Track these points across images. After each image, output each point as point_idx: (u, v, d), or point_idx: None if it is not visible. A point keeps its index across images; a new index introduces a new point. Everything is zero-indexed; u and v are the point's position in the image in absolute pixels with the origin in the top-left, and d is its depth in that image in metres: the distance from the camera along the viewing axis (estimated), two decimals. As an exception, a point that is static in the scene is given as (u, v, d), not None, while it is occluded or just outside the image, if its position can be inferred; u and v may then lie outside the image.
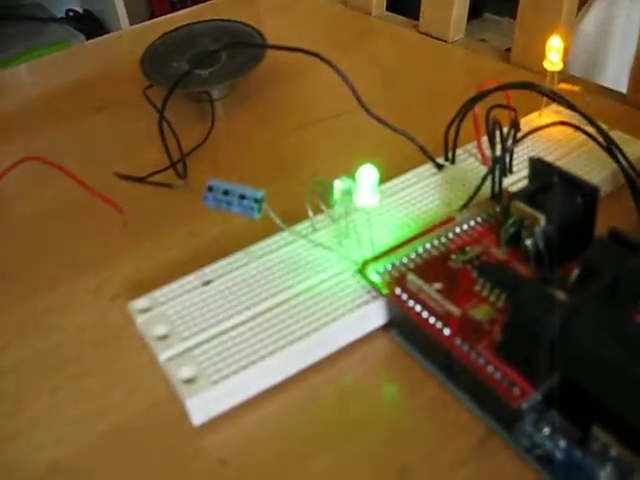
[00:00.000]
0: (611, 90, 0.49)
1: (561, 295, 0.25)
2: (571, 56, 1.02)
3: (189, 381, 0.30)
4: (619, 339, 0.24)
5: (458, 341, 0.28)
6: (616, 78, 0.99)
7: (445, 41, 0.58)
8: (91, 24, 1.58)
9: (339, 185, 0.32)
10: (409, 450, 0.28)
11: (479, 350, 0.27)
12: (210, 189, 0.33)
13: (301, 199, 0.36)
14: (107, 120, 0.54)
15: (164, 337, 0.32)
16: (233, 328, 0.32)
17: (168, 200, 0.43)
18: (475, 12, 1.85)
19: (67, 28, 1.53)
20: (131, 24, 1.46)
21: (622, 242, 0.27)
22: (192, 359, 0.31)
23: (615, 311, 0.25)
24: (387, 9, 0.65)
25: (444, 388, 0.29)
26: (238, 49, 0.53)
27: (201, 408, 0.30)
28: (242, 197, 0.33)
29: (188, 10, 0.74)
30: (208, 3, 0.77)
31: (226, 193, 0.33)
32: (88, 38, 1.46)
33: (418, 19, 0.60)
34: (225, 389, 0.30)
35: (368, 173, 0.31)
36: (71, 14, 1.64)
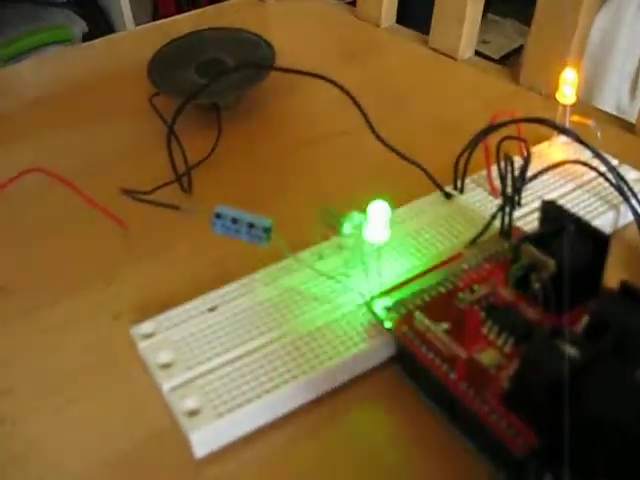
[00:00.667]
0: (619, 119, 0.48)
1: (571, 350, 0.25)
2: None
3: (193, 413, 0.30)
4: (626, 398, 0.24)
5: (464, 386, 0.28)
6: (616, 93, 0.99)
7: (454, 59, 0.58)
8: (92, 9, 1.57)
9: (351, 220, 0.32)
10: (410, 493, 0.28)
11: (485, 397, 0.27)
12: (218, 216, 0.33)
13: (307, 222, 0.36)
14: (111, 128, 0.53)
15: (168, 365, 0.32)
16: (238, 359, 0.32)
17: (173, 216, 0.42)
18: (479, 13, 1.84)
19: (68, 13, 1.51)
20: (133, 11, 1.45)
21: (632, 296, 0.27)
22: (196, 390, 0.31)
23: (622, 369, 0.25)
24: (397, 21, 0.65)
25: (448, 430, 0.29)
26: (246, 59, 0.52)
27: (204, 441, 0.30)
28: (251, 226, 0.32)
29: (196, 12, 0.73)
30: (216, 6, 0.76)
31: (234, 221, 0.32)
32: (89, 24, 1.45)
33: (427, 31, 0.60)
34: (230, 422, 0.30)
35: (381, 210, 0.31)
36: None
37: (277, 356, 0.32)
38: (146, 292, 0.38)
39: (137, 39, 0.69)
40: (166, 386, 0.31)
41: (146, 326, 0.34)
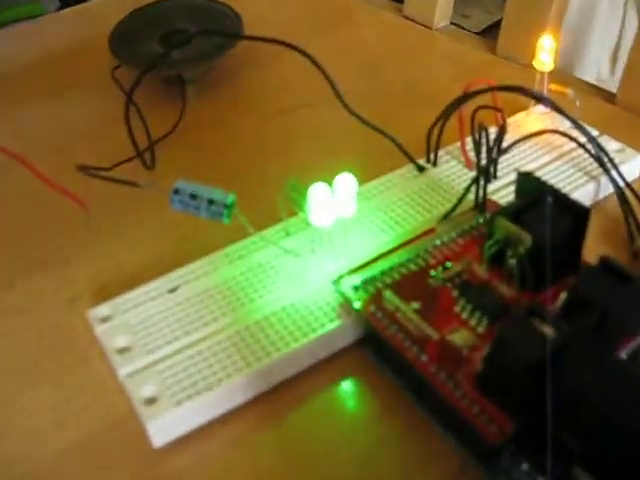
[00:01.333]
0: (600, 89, 0.47)
1: (548, 330, 0.23)
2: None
3: (150, 401, 0.28)
4: (607, 378, 0.22)
5: (434, 368, 0.26)
6: (597, 66, 0.98)
7: (429, 28, 0.56)
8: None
9: (315, 193, 0.30)
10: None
11: (457, 380, 0.26)
12: (177, 192, 0.31)
13: (274, 198, 0.34)
14: (72, 102, 0.51)
15: (125, 350, 0.30)
16: (199, 342, 0.30)
17: (134, 194, 0.40)
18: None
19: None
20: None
21: (613, 271, 0.25)
22: (154, 376, 0.29)
23: (602, 348, 0.23)
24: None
25: (419, 414, 0.28)
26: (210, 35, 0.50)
27: (163, 430, 0.28)
28: (211, 202, 0.31)
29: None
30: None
31: (194, 197, 0.31)
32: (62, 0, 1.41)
33: (402, 1, 0.58)
34: (189, 410, 0.28)
35: (347, 183, 0.29)
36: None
37: (240, 338, 0.30)
38: (105, 274, 0.36)
39: (105, 8, 0.66)
40: (123, 372, 0.30)
41: (103, 309, 0.32)
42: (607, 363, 0.23)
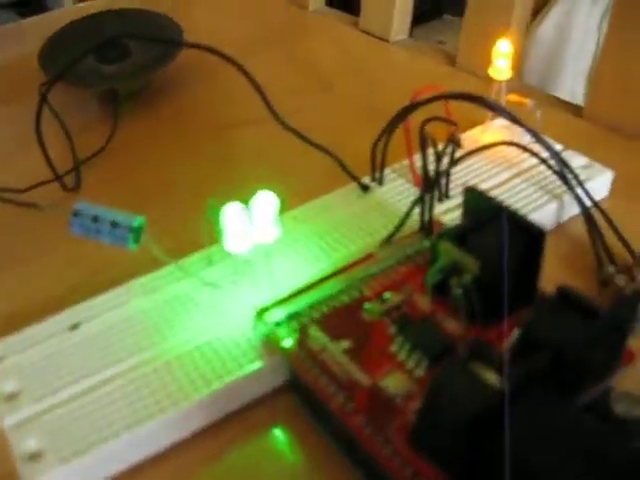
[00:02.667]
0: (566, 103, 0.43)
1: (491, 376, 0.19)
2: (527, 63, 0.98)
3: (34, 456, 0.24)
4: (561, 438, 0.18)
5: (362, 421, 0.22)
6: (571, 87, 0.95)
7: (387, 41, 0.52)
8: (37, 11, 1.50)
9: (231, 213, 0.26)
10: None
11: (387, 435, 0.21)
12: (76, 214, 0.27)
13: (201, 222, 0.30)
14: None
15: (13, 396, 0.26)
16: (97, 387, 0.26)
17: (44, 221, 0.36)
18: (434, 13, 1.81)
19: (12, 15, 1.45)
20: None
21: (573, 304, 0.21)
22: (41, 427, 0.25)
23: (557, 399, 0.19)
24: (328, 4, 0.59)
25: (351, 470, 0.24)
26: (148, 43, 0.46)
27: (45, 493, 0.24)
28: (114, 225, 0.26)
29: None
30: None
31: (95, 219, 0.27)
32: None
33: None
34: (78, 468, 0.24)
35: (266, 201, 0.25)
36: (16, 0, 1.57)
37: (145, 383, 0.26)
38: (6, 308, 0.32)
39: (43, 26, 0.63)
40: (8, 422, 0.25)
41: (-7, 349, 0.28)
42: (564, 420, 0.19)
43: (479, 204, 0.26)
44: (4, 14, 1.45)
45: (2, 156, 0.43)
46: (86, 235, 0.27)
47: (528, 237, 0.24)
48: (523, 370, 0.19)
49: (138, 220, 0.26)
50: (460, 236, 0.25)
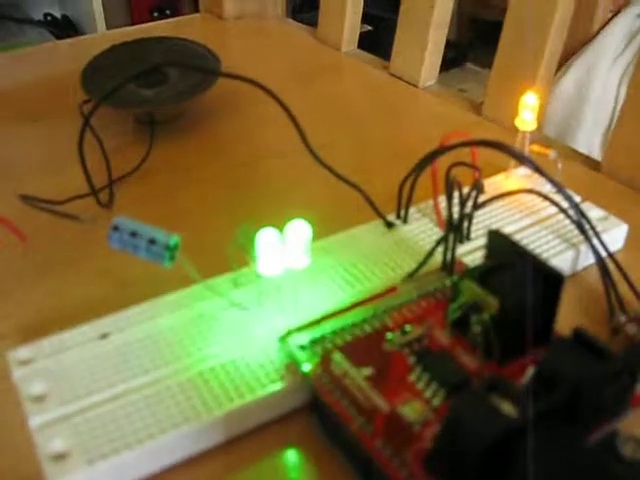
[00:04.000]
0: (585, 156, 0.45)
1: (509, 408, 0.20)
2: (546, 116, 1.00)
3: (59, 457, 0.25)
4: (573, 470, 0.19)
5: (380, 444, 0.23)
6: (589, 140, 0.97)
7: (416, 86, 0.54)
8: (68, 30, 1.54)
9: (263, 237, 0.27)
10: None
11: (404, 458, 0.22)
12: (116, 228, 0.28)
13: (229, 246, 0.31)
14: (38, 134, 0.49)
15: (41, 398, 0.27)
16: (124, 395, 0.27)
17: (80, 233, 0.37)
18: (457, 61, 1.84)
19: (42, 32, 1.49)
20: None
21: (587, 346, 0.22)
22: (68, 429, 0.26)
23: (571, 434, 0.20)
24: (360, 47, 0.62)
25: (363, 494, 0.24)
26: (186, 71, 0.48)
27: (69, 493, 0.25)
28: (152, 242, 0.28)
29: (150, 25, 0.69)
30: (175, 20, 0.73)
31: (134, 235, 0.28)
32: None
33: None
34: (102, 471, 0.25)
35: (299, 230, 0.26)
36: (49, 18, 1.60)
37: (169, 395, 0.27)
38: (39, 314, 0.33)
39: (84, 47, 0.65)
40: (34, 422, 0.26)
41: (24, 351, 0.29)
42: (578, 454, 0.20)
43: (502, 246, 0.27)
44: (33, 32, 1.48)
45: (39, 170, 0.45)
46: (123, 249, 0.28)
47: (547, 281, 0.25)
48: (542, 403, 0.20)
49: (174, 239, 0.28)
50: (482, 275, 0.26)
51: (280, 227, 0.28)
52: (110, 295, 0.34)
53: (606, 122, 1.01)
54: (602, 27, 1.05)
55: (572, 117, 1.00)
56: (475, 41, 1.87)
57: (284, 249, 0.27)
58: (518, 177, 0.38)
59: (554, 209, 0.34)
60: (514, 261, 0.26)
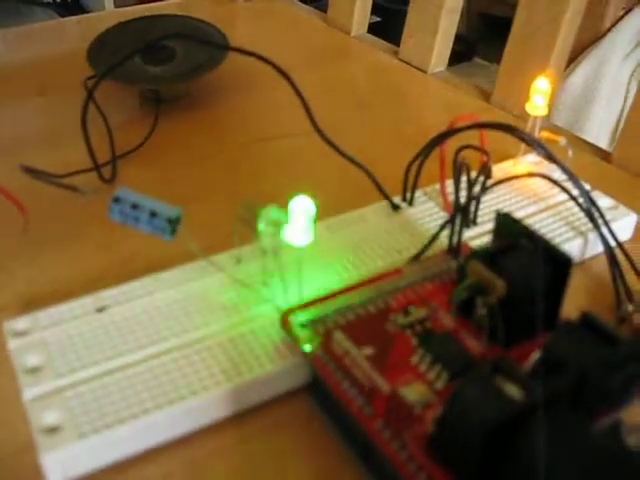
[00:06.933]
0: (595, 146, 0.44)
1: (514, 391, 0.20)
2: (555, 110, 0.99)
3: (52, 430, 0.24)
4: (578, 457, 0.19)
5: (379, 425, 0.22)
6: (596, 135, 0.96)
7: (425, 72, 0.53)
8: (76, 12, 1.53)
9: (266, 215, 0.26)
10: None
11: (404, 440, 0.22)
12: (117, 200, 0.27)
13: (233, 223, 0.31)
14: (44, 109, 0.48)
15: (36, 370, 0.27)
16: (119, 370, 0.26)
17: (81, 207, 0.37)
18: (465, 55, 1.83)
19: (51, 14, 1.48)
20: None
21: (595, 330, 0.22)
22: (61, 402, 0.25)
23: (576, 419, 0.20)
24: (369, 32, 0.61)
25: (363, 475, 0.24)
26: (196, 48, 0.47)
27: (61, 466, 0.24)
28: (153, 214, 0.27)
29: (160, 4, 0.69)
30: (184, 0, 0.72)
31: (135, 207, 0.27)
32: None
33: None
34: (95, 445, 0.24)
35: (302, 205, 0.26)
36: (58, 0, 1.60)
37: (165, 371, 0.26)
38: (38, 286, 0.33)
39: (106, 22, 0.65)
40: (28, 394, 0.26)
41: (20, 322, 0.28)
42: (581, 439, 0.20)
43: (510, 229, 0.26)
44: (42, 13, 1.48)
45: (42, 143, 0.44)
46: (124, 222, 0.27)
47: (556, 264, 0.24)
48: (549, 386, 0.19)
49: (176, 212, 0.27)
50: (489, 257, 0.25)
51: (284, 206, 0.28)
52: (109, 269, 0.33)
53: (614, 119, 1.00)
54: (613, 24, 1.04)
55: (580, 113, 1.00)
56: (484, 36, 1.86)
57: (287, 226, 0.26)
58: (527, 164, 0.37)
59: (563, 196, 0.34)
60: (522, 244, 0.25)
